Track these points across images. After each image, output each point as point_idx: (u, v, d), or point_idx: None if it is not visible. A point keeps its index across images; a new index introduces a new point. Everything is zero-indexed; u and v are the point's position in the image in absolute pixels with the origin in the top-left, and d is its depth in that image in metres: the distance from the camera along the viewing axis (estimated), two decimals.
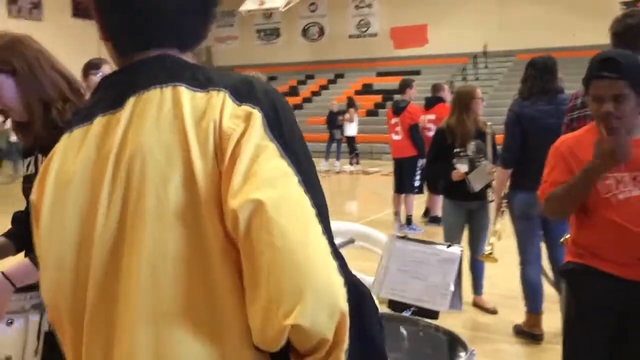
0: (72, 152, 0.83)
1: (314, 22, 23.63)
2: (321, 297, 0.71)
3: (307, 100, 20.79)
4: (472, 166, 4.11)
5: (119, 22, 0.86)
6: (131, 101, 0.81)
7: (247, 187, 0.73)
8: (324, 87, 21.76)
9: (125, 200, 0.78)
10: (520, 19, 19.57)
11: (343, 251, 0.81)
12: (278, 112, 0.80)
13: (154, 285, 0.75)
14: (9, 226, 1.80)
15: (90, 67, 3.72)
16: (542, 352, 3.69)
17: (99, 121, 0.82)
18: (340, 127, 13.66)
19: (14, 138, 15.81)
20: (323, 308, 0.71)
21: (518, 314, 3.93)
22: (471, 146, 4.17)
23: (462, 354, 1.61)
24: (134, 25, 0.86)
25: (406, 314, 1.77)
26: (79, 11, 22.30)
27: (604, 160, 1.92)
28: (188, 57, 0.90)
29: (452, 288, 1.81)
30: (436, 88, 7.61)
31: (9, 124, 1.80)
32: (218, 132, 0.77)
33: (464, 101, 4.18)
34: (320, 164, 13.07)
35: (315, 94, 21.49)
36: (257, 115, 0.78)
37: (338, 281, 0.73)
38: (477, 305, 4.39)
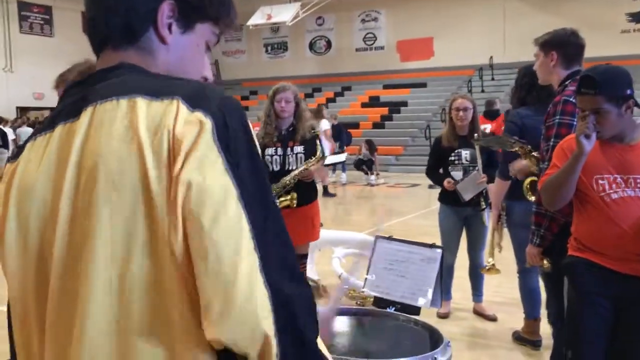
0: (34, 160, 0.84)
1: (321, 35, 23.83)
2: (242, 319, 0.73)
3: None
4: (466, 174, 4.19)
5: (89, 16, 0.91)
6: (89, 111, 0.81)
7: (187, 200, 0.74)
8: (330, 100, 21.89)
9: (82, 209, 0.78)
10: (526, 31, 19.47)
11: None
12: (227, 123, 0.79)
13: (111, 297, 0.76)
14: None
15: None
16: (541, 358, 3.70)
17: (59, 129, 0.83)
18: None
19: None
20: (244, 330, 0.74)
21: (517, 321, 3.96)
22: (465, 155, 4.26)
23: (439, 344, 1.67)
24: (88, 25, 0.91)
25: (389, 310, 1.84)
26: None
27: (578, 141, 2.14)
28: (150, 55, 0.89)
29: (432, 286, 1.88)
30: (491, 103, 9.60)
31: None
32: (172, 139, 0.76)
33: (449, 112, 4.36)
34: (341, 176, 13.12)
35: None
36: (208, 124, 0.77)
37: (261, 300, 0.74)
38: (477, 312, 4.42)
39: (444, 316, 4.30)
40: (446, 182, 4.21)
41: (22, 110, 20.44)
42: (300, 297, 0.80)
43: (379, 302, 1.90)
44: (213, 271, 0.73)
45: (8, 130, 16.82)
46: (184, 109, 0.78)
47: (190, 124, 0.77)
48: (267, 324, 0.75)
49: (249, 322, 0.74)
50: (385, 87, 21.45)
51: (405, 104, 19.57)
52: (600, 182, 2.20)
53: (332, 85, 22.44)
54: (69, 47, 21.64)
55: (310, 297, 0.82)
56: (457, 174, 4.25)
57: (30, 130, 17.90)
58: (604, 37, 18.72)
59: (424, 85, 20.72)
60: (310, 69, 22.81)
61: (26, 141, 0.89)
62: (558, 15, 19.44)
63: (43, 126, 0.88)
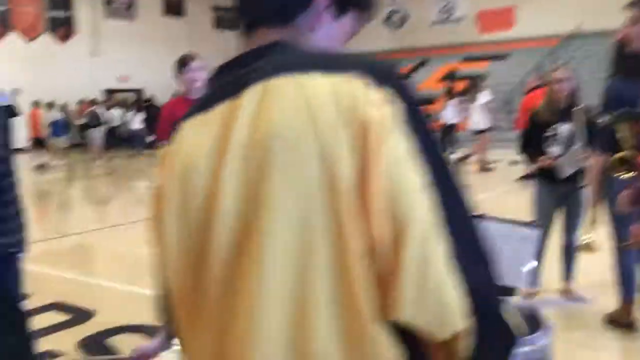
0: (194, 139, 0.83)
1: (396, 9, 23.40)
2: (434, 308, 0.73)
3: None
4: (564, 150, 3.98)
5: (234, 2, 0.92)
6: (255, 88, 0.79)
7: (389, 204, 0.72)
8: (407, 75, 21.57)
9: (252, 182, 0.76)
10: None
11: None
12: (410, 101, 0.77)
13: (286, 272, 0.74)
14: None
15: (182, 64, 3.92)
16: (636, 340, 3.57)
17: (220, 108, 0.82)
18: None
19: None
20: (435, 318, 0.73)
21: (610, 302, 3.80)
22: (563, 129, 4.04)
23: (539, 328, 1.60)
24: (241, 2, 0.92)
25: None
26: (169, 9, 23.27)
27: None
28: (302, 37, 0.89)
29: (529, 266, 1.78)
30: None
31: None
32: (361, 116, 0.74)
33: (546, 84, 4.15)
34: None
35: None
36: (397, 104, 0.75)
37: (455, 289, 0.73)
38: (566, 293, 4.28)
39: (531, 297, 4.18)
40: (543, 159, 4.03)
41: (109, 92, 21.43)
42: (489, 281, 0.78)
43: None
44: (407, 258, 0.72)
45: (100, 111, 17.84)
46: (370, 84, 0.76)
47: (380, 105, 0.75)
48: (459, 312, 0.74)
49: (438, 311, 0.73)
50: (464, 60, 20.86)
51: (484, 77, 18.94)
52: None
53: (407, 60, 22.07)
54: (151, 30, 22.49)
55: (493, 279, 0.80)
56: (555, 150, 4.05)
57: (120, 112, 18.90)
58: None
59: (504, 57, 20.00)
60: (385, 44, 22.48)
61: (179, 123, 0.89)
62: None
63: (198, 107, 0.87)
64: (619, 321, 3.67)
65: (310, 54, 0.86)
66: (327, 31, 0.91)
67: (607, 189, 3.56)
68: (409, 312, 0.73)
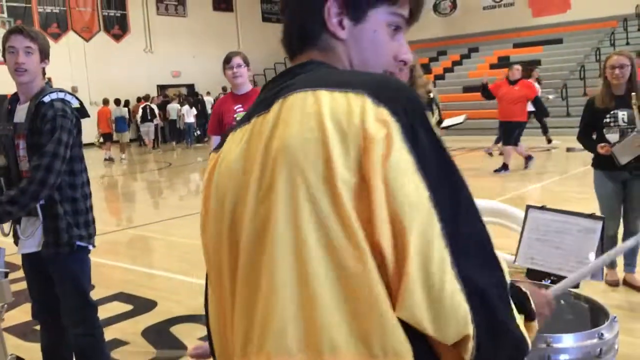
0: (233, 149, 0.92)
1: None
2: (439, 313, 0.77)
3: (438, 77, 20.36)
4: (623, 137, 3.86)
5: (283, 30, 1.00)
6: (279, 103, 0.87)
7: (382, 202, 0.77)
8: (456, 63, 21.17)
9: (266, 189, 0.83)
10: None
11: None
12: (414, 118, 0.81)
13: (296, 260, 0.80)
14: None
15: (225, 61, 4.08)
16: None
17: (254, 121, 0.90)
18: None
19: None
20: (441, 322, 0.77)
21: None
22: (622, 116, 3.92)
23: (605, 320, 1.57)
24: (284, 35, 0.99)
25: (545, 282, 1.75)
26: (219, 4, 23.59)
27: None
28: (332, 52, 0.94)
29: (592, 258, 1.76)
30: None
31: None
32: (362, 133, 0.79)
33: (603, 70, 4.03)
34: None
35: (447, 70, 20.98)
36: (396, 124, 0.79)
37: (457, 295, 0.77)
38: (629, 284, 4.16)
39: (613, 284, 4.15)
40: (601, 147, 3.93)
41: (162, 88, 21.94)
42: (494, 285, 0.81)
43: (533, 274, 1.81)
44: (411, 268, 0.77)
45: (153, 107, 18.41)
46: (369, 103, 0.80)
47: (379, 122, 0.79)
48: (464, 319, 0.77)
49: (441, 314, 0.77)
50: (516, 45, 20.33)
51: (538, 62, 18.40)
52: None
53: (458, 47, 21.67)
54: (201, 26, 22.86)
55: (503, 281, 0.84)
56: (613, 137, 3.94)
57: (177, 106, 19.47)
58: None
59: (559, 41, 19.39)
60: (434, 32, 22.13)
61: (228, 133, 0.98)
62: None
63: (244, 118, 0.95)
64: None
65: (328, 72, 0.91)
66: (352, 40, 0.93)
67: None
68: (415, 317, 0.77)
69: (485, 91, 9.79)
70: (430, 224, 0.78)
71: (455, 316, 0.77)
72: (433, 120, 0.84)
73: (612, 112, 3.96)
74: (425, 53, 21.57)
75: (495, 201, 5.42)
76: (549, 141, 12.64)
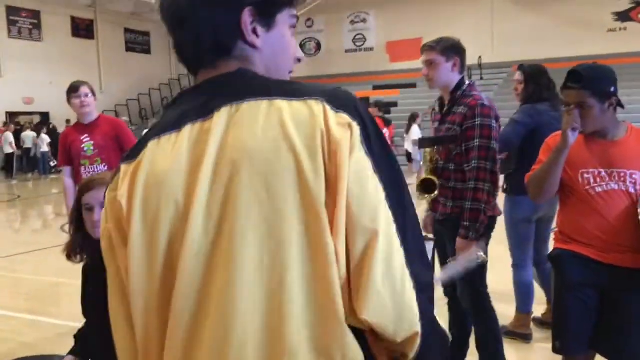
0: (161, 156, 0.86)
1: (311, 37, 23.90)
2: (395, 310, 0.80)
3: None
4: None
5: (175, 41, 0.95)
6: (225, 111, 0.84)
7: (349, 204, 0.80)
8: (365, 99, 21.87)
9: (226, 199, 0.80)
10: (513, 31, 19.82)
11: None
12: (367, 125, 0.84)
13: (260, 284, 0.79)
14: None
15: (72, 90, 4.03)
16: (531, 351, 3.73)
17: (189, 128, 0.86)
18: None
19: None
20: (396, 320, 0.80)
21: (504, 317, 3.99)
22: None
23: None
24: (177, 52, 0.95)
25: None
26: (78, 32, 22.51)
27: (563, 133, 2.25)
28: (248, 61, 0.92)
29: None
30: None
31: None
32: (327, 138, 0.80)
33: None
34: None
35: None
36: (356, 127, 0.82)
37: (410, 292, 0.81)
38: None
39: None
40: None
41: (12, 115, 20.34)
42: (429, 285, 0.87)
43: None
44: (373, 264, 0.79)
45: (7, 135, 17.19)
46: (329, 109, 0.83)
47: (341, 126, 0.82)
48: (417, 316, 0.81)
49: (401, 313, 0.80)
50: (375, 87, 21.53)
51: (395, 104, 19.67)
52: (586, 175, 2.28)
53: None
54: (58, 51, 21.59)
55: (432, 281, 0.90)
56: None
57: (32, 134, 18.14)
58: (590, 36, 18.91)
59: (413, 85, 20.81)
60: (300, 71, 22.21)
61: (143, 141, 0.91)
62: (545, 14, 19.65)
63: (164, 126, 0.90)
64: (515, 332, 3.75)
65: (272, 80, 0.92)
66: (266, 46, 0.94)
67: (513, 208, 3.69)
68: (375, 313, 0.79)
69: None
70: (390, 225, 0.81)
71: (411, 314, 0.81)
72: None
73: None
74: None
75: None
76: None
